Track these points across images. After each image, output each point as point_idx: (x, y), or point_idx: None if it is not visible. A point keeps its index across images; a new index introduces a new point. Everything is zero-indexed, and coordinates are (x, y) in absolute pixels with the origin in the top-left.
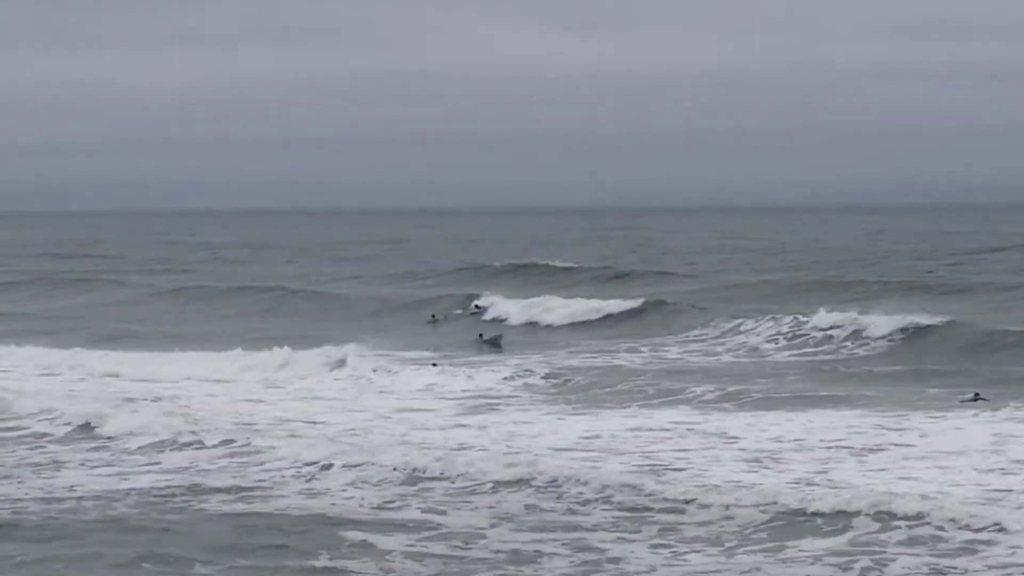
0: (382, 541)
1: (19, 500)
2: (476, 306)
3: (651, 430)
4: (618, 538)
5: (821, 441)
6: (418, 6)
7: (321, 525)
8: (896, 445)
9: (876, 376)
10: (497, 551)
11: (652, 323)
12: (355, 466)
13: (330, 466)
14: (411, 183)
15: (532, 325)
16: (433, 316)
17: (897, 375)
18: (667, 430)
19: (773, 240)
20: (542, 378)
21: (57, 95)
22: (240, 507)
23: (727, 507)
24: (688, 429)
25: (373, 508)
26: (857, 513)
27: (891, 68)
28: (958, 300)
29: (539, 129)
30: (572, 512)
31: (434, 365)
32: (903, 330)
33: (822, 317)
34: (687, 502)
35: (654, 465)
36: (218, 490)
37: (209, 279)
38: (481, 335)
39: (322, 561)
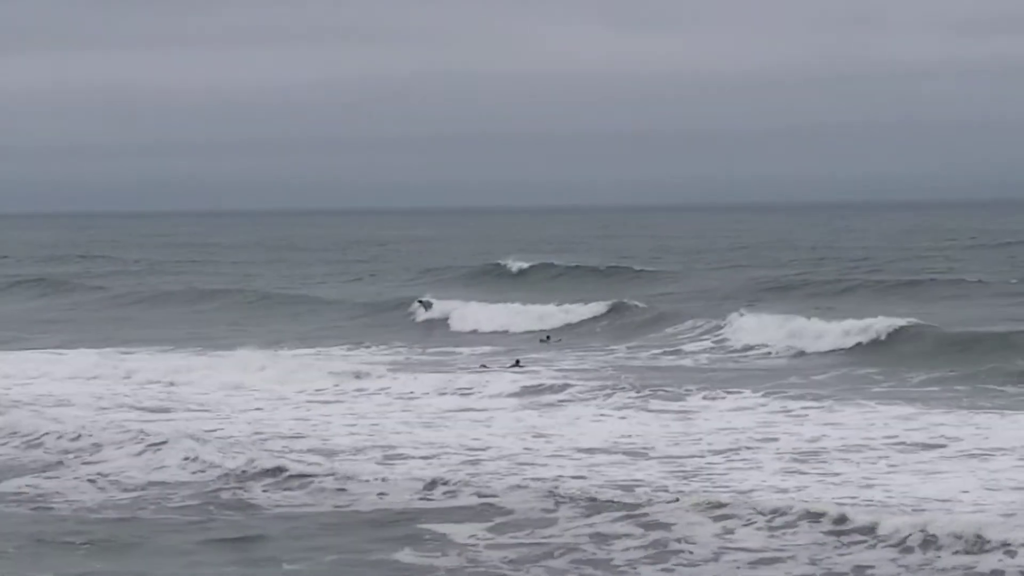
0: (456, 531)
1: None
2: (419, 301)
3: (686, 430)
4: (687, 523)
5: (869, 440)
6: (470, 7)
7: (386, 516)
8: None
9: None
10: (574, 534)
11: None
12: (401, 457)
13: (368, 457)
14: (460, 181)
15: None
16: (421, 302)
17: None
18: (706, 430)
19: (815, 238)
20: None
21: (94, 96)
22: (289, 498)
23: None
24: (731, 428)
25: (432, 498)
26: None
27: (951, 65)
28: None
29: (591, 127)
30: (634, 495)
31: (518, 363)
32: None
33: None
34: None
35: (695, 465)
36: (264, 484)
37: (171, 283)
38: (548, 336)
39: (407, 554)
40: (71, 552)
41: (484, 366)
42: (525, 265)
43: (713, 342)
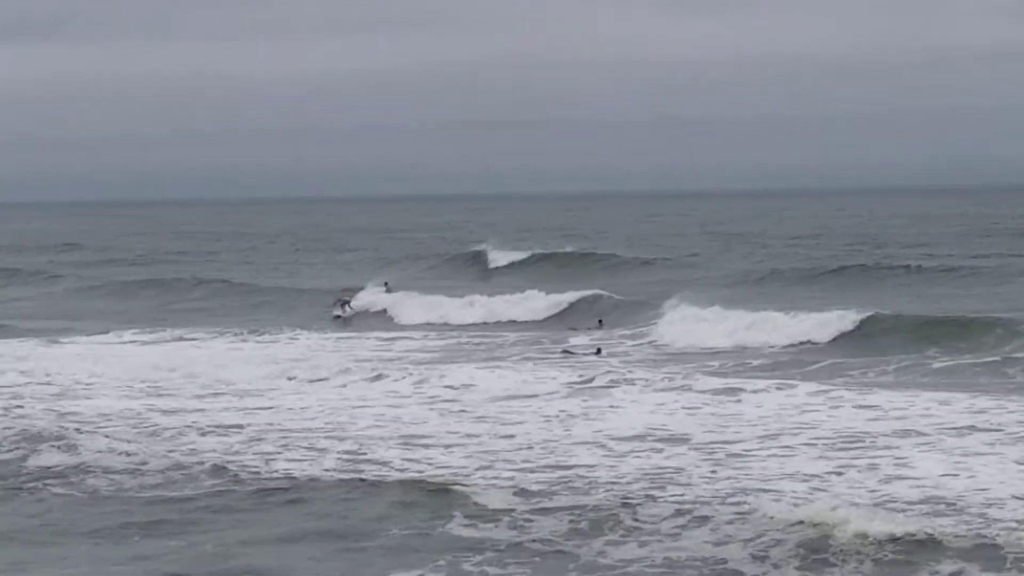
0: (496, 499)
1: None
2: (342, 301)
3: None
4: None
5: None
6: None
7: (431, 489)
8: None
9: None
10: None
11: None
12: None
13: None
14: (521, 168)
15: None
16: (340, 302)
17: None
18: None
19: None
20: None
21: (181, 86)
22: (321, 478)
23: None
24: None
25: (471, 470)
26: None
27: (1013, 48)
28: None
29: (649, 113)
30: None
31: (598, 352)
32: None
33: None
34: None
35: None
36: (311, 468)
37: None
38: (600, 321)
39: (463, 528)
40: (149, 537)
41: (568, 352)
42: (506, 256)
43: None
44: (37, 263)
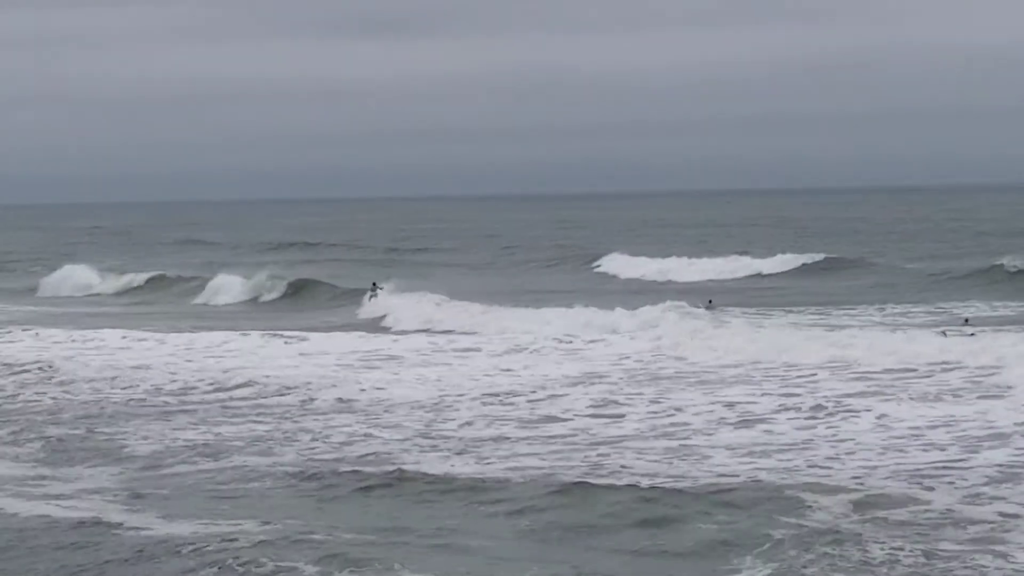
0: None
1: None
2: (374, 284)
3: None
4: None
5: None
6: None
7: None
8: None
9: None
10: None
11: None
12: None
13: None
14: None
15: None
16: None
17: None
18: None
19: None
20: None
21: (521, 79)
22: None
23: None
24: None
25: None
26: None
27: None
28: None
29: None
30: None
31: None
32: None
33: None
34: None
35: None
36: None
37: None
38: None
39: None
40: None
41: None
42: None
43: None
44: None
